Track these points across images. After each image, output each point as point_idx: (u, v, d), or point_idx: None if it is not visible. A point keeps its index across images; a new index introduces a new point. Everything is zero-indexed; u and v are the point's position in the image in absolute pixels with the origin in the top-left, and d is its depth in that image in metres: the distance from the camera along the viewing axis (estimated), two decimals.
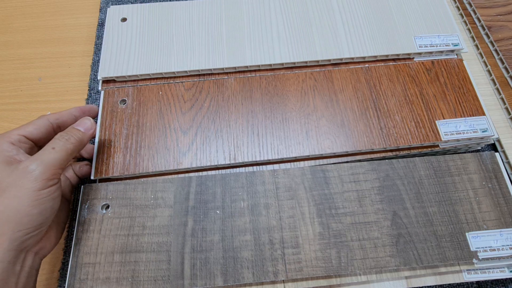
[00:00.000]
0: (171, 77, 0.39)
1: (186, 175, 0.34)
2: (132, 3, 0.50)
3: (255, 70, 0.39)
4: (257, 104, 0.37)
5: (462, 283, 0.34)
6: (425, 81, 0.39)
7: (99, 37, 0.47)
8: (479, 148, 0.39)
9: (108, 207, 0.32)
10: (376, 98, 0.37)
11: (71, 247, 0.31)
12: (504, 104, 0.41)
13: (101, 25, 0.48)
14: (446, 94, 0.38)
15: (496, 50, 0.43)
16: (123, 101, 0.37)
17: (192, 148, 0.35)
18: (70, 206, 0.35)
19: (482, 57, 0.44)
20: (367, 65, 0.39)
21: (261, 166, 0.35)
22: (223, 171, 0.35)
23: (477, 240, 0.31)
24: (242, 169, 0.35)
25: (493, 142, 0.38)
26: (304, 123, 0.36)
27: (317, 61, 0.39)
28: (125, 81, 0.39)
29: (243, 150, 0.35)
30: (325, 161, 0.35)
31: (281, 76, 0.39)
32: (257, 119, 0.36)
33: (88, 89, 0.44)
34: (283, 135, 0.35)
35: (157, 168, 0.34)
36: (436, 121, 0.36)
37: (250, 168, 0.35)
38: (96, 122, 0.36)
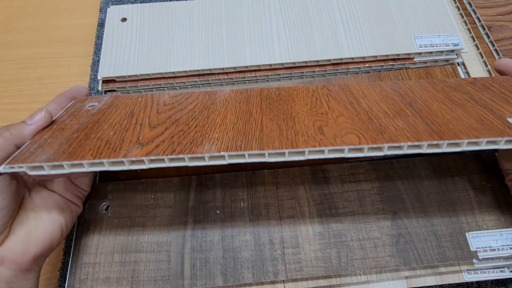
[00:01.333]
0: (171, 77, 0.39)
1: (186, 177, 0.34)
2: (132, 3, 0.51)
3: (255, 70, 0.39)
4: (255, 106, 0.29)
5: (462, 283, 0.34)
6: (472, 90, 0.30)
7: (99, 37, 0.47)
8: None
9: (108, 207, 0.32)
10: (413, 102, 0.28)
11: (71, 247, 0.31)
12: None
13: (101, 25, 0.48)
14: (507, 98, 0.28)
15: (496, 50, 0.43)
16: (92, 106, 0.30)
17: (156, 141, 0.24)
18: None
19: (482, 57, 0.44)
20: (392, 82, 0.32)
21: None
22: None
23: (477, 240, 0.31)
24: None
25: None
26: (316, 120, 0.26)
27: (317, 61, 0.39)
28: (125, 81, 0.39)
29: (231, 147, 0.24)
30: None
31: (285, 86, 0.32)
32: (253, 117, 0.27)
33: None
34: (287, 129, 0.25)
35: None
36: (508, 119, 0.25)
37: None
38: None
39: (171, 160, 0.23)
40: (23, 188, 0.28)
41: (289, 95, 0.30)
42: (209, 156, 0.22)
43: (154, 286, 0.29)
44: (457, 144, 0.23)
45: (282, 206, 0.32)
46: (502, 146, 0.23)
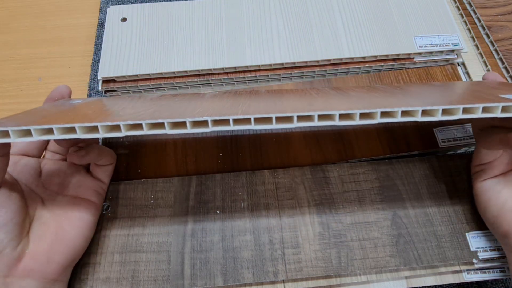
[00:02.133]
0: (171, 77, 0.39)
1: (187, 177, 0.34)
2: (132, 3, 0.50)
3: (255, 70, 0.39)
4: (243, 97, 0.29)
5: (462, 283, 0.34)
6: (462, 85, 0.32)
7: (99, 37, 0.47)
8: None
9: (108, 207, 0.32)
10: (404, 90, 0.30)
11: None
12: None
13: (101, 25, 0.48)
14: (496, 88, 0.28)
15: (496, 50, 0.43)
16: (77, 102, 0.30)
17: (137, 114, 0.23)
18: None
19: (482, 57, 0.44)
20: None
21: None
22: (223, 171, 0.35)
23: (477, 240, 0.31)
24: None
25: None
26: (305, 101, 0.26)
27: (317, 61, 0.39)
28: (125, 81, 0.39)
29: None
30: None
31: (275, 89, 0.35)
32: (241, 101, 0.27)
33: (88, 89, 0.44)
34: (275, 106, 0.25)
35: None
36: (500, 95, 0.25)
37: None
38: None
39: (150, 126, 0.21)
40: (32, 199, 0.27)
41: (278, 92, 0.31)
42: (191, 122, 0.21)
43: (154, 286, 0.29)
44: (451, 112, 0.22)
45: (282, 206, 0.32)
46: (498, 114, 0.22)
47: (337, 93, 0.29)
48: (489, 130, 0.30)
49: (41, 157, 0.30)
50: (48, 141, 0.30)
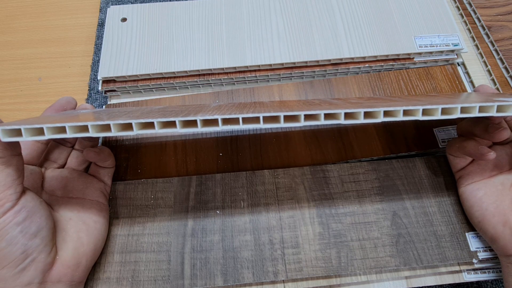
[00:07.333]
0: (171, 77, 0.39)
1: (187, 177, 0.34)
2: (132, 3, 0.50)
3: (255, 70, 0.39)
4: (248, 106, 0.29)
5: (462, 283, 0.34)
6: (461, 95, 0.34)
7: (99, 37, 0.47)
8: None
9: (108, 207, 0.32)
10: (401, 98, 0.33)
11: None
12: None
13: (101, 25, 0.48)
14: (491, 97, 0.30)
15: (496, 50, 0.43)
16: (84, 112, 0.31)
17: (145, 116, 0.24)
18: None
19: (482, 57, 0.44)
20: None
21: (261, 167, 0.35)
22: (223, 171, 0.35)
23: (477, 240, 0.31)
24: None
25: None
26: (310, 105, 0.27)
27: (317, 61, 0.39)
28: (125, 81, 0.39)
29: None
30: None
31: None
32: (246, 108, 0.27)
33: (88, 89, 0.44)
34: (281, 109, 0.25)
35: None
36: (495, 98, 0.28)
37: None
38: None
39: (162, 125, 0.21)
40: (48, 207, 0.27)
41: (282, 101, 0.31)
42: (201, 120, 0.21)
43: (154, 286, 0.29)
44: (450, 111, 0.23)
45: (282, 206, 0.32)
46: (494, 113, 0.23)
47: (339, 101, 0.30)
48: (454, 138, 0.32)
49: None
50: (45, 149, 0.30)
